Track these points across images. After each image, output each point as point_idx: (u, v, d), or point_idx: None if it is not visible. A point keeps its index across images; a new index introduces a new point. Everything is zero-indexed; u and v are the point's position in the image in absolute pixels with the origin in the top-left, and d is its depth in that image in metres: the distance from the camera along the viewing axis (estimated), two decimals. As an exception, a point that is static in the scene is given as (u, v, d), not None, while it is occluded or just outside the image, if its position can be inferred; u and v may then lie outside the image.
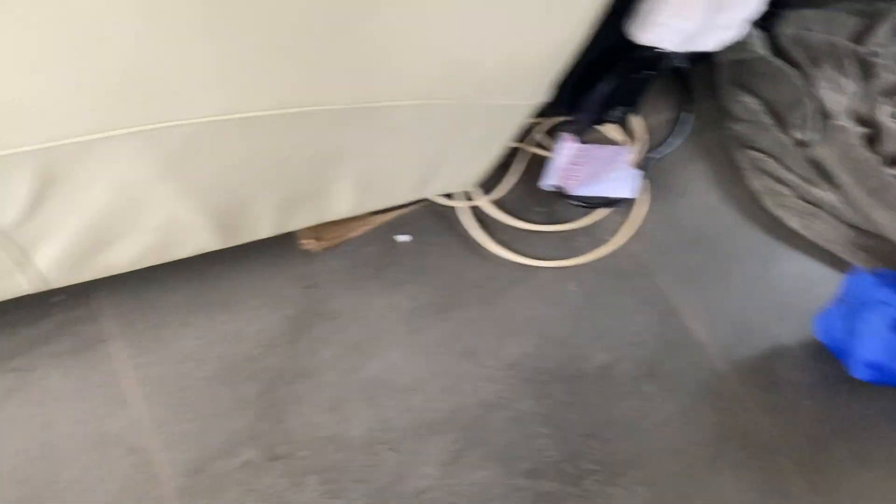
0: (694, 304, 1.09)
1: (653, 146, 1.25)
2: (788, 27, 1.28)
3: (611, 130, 1.23)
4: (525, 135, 1.18)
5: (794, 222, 1.16)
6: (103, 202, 0.75)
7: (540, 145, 1.19)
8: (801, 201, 1.17)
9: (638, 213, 1.16)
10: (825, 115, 1.17)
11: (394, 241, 1.08)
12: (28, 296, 0.85)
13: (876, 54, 1.22)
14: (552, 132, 1.21)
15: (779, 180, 1.19)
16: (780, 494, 0.94)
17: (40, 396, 0.89)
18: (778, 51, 1.27)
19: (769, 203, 1.19)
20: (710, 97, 1.32)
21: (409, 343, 1.00)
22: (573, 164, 1.16)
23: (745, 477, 0.94)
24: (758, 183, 1.20)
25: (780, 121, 1.22)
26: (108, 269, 0.87)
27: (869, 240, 1.13)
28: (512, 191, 1.15)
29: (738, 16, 0.93)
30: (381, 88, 0.77)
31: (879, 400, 1.01)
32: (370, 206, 0.97)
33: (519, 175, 1.16)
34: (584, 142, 1.17)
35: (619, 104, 1.16)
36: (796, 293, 1.11)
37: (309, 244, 1.03)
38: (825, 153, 1.15)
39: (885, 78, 1.19)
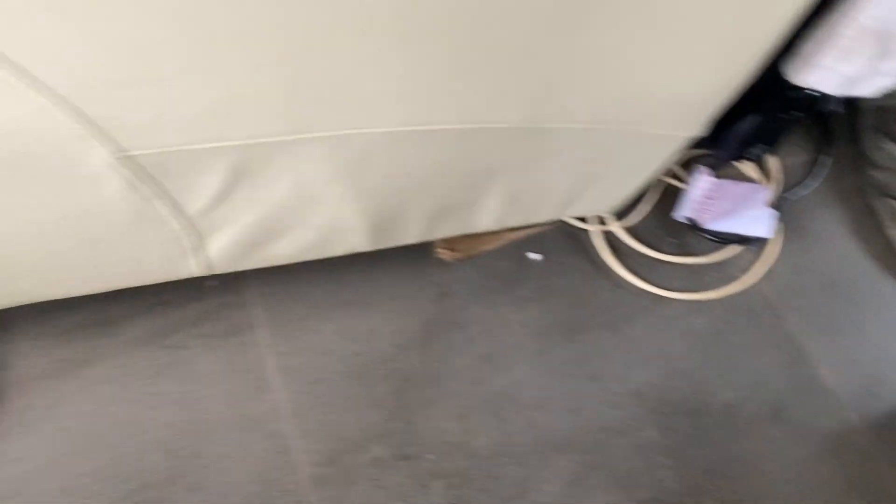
0: (824, 350, 1.07)
1: (788, 187, 1.23)
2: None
3: (747, 167, 1.22)
4: (661, 164, 1.18)
5: (935, 277, 1.13)
6: (281, 198, 0.79)
7: (675, 176, 1.19)
8: (943, 256, 1.13)
9: (770, 253, 1.14)
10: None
11: (525, 258, 1.10)
12: (185, 279, 0.90)
13: None
14: (688, 164, 1.20)
15: (920, 233, 1.16)
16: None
17: (190, 374, 0.94)
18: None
19: (908, 255, 1.16)
20: (850, 141, 1.29)
21: (536, 360, 1.01)
22: (707, 198, 1.15)
23: (873, 533, 0.92)
24: (897, 233, 1.18)
25: (926, 172, 1.19)
26: (266, 261, 0.92)
27: None
28: (644, 219, 1.15)
29: (903, 63, 0.92)
30: (555, 110, 0.79)
31: None
32: (511, 223, 0.99)
33: (652, 204, 1.16)
34: (719, 176, 1.17)
35: (760, 142, 1.15)
36: (934, 351, 1.08)
37: (444, 253, 1.06)
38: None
39: None
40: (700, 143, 1.15)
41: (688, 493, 0.93)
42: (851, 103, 1.27)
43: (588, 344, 1.03)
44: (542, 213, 1.00)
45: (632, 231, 1.14)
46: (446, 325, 1.02)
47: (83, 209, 0.72)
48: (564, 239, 1.13)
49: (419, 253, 1.06)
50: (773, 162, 1.24)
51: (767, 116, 1.08)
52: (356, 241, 0.92)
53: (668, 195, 1.17)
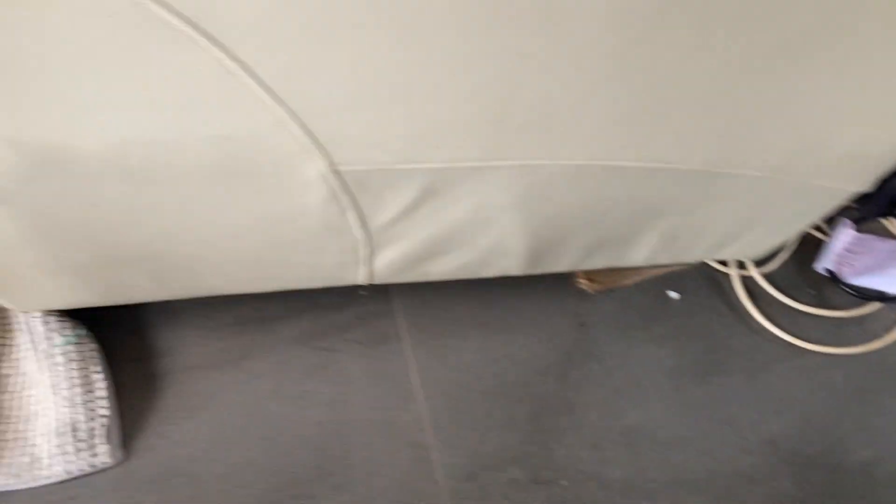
0: (968, 419, 1.04)
1: (933, 247, 1.20)
2: None
3: (892, 224, 1.20)
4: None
5: None
6: (459, 219, 0.82)
7: (818, 227, 1.18)
8: None
9: (913, 313, 1.12)
10: None
11: (663, 295, 1.10)
12: (338, 285, 0.94)
13: None
14: (832, 216, 1.19)
15: None
16: None
17: (340, 377, 0.97)
18: None
19: None
20: None
21: (671, 399, 1.01)
22: (850, 252, 1.14)
23: None
24: None
25: None
26: (422, 276, 0.95)
27: None
28: (784, 266, 1.15)
29: None
30: (735, 156, 0.80)
31: None
32: (661, 261, 1.00)
33: (791, 252, 1.16)
34: (863, 231, 1.15)
35: (910, 200, 1.14)
36: None
37: (585, 284, 1.07)
38: None
39: None
40: (848, 196, 1.15)
41: (821, 550, 0.92)
42: None
43: (723, 387, 1.03)
44: (693, 254, 1.01)
45: (770, 278, 1.13)
46: (584, 354, 1.04)
47: (283, 214, 0.77)
48: (702, 280, 1.13)
49: (559, 281, 1.08)
50: (918, 220, 1.22)
51: (923, 175, 1.07)
52: (511, 265, 0.95)
53: (807, 244, 1.16)
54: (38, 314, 0.90)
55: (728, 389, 1.03)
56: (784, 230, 0.99)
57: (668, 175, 0.81)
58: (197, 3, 0.57)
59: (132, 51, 0.58)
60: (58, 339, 0.89)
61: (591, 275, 1.08)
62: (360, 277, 0.92)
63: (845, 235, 1.15)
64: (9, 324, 0.93)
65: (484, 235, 0.87)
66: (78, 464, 0.85)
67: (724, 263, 1.13)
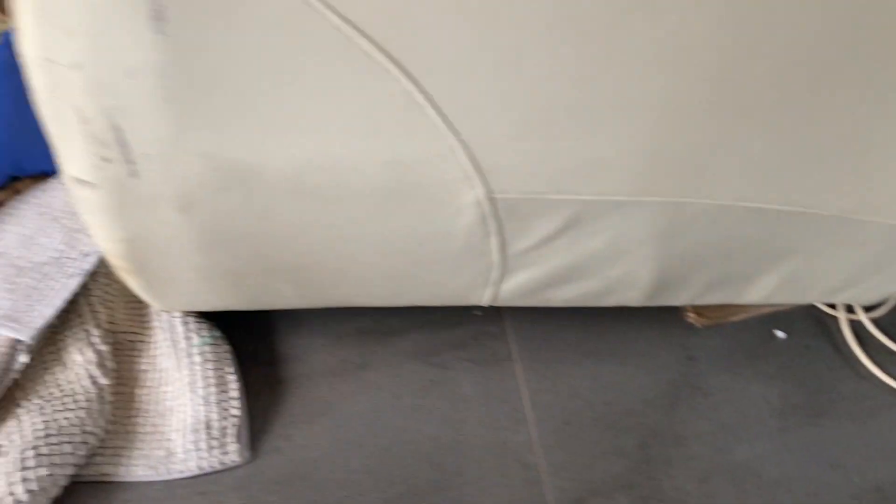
0: None
1: None
2: None
3: None
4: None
5: None
6: (595, 249, 0.85)
7: (929, 275, 1.17)
8: None
9: None
10: None
11: (770, 334, 1.11)
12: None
13: None
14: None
15: None
16: None
17: (454, 394, 1.00)
18: None
19: None
20: None
21: (777, 438, 1.02)
22: (961, 302, 1.13)
23: None
24: None
25: None
26: (542, 302, 0.97)
27: None
28: (892, 312, 1.14)
29: None
30: (871, 203, 0.81)
31: None
32: (777, 301, 1.01)
33: (900, 298, 1.15)
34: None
35: None
36: None
37: (693, 318, 1.09)
38: None
39: None
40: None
41: None
42: None
43: (830, 430, 1.03)
44: (809, 296, 1.02)
45: (878, 323, 1.13)
46: (691, 388, 1.05)
47: (431, 234, 0.80)
48: (808, 320, 1.13)
49: (667, 314, 1.10)
50: None
51: None
52: (632, 296, 0.97)
53: (919, 293, 1.16)
54: (179, 314, 0.95)
55: (835, 433, 1.03)
56: (904, 279, 0.99)
57: (806, 219, 0.82)
58: (400, 38, 0.60)
59: (333, 79, 0.63)
60: (196, 340, 0.94)
61: (699, 309, 1.09)
62: (484, 299, 0.94)
63: (957, 286, 1.14)
64: (148, 321, 0.98)
65: (614, 267, 0.89)
66: (210, 460, 0.89)
67: (832, 306, 1.13)
